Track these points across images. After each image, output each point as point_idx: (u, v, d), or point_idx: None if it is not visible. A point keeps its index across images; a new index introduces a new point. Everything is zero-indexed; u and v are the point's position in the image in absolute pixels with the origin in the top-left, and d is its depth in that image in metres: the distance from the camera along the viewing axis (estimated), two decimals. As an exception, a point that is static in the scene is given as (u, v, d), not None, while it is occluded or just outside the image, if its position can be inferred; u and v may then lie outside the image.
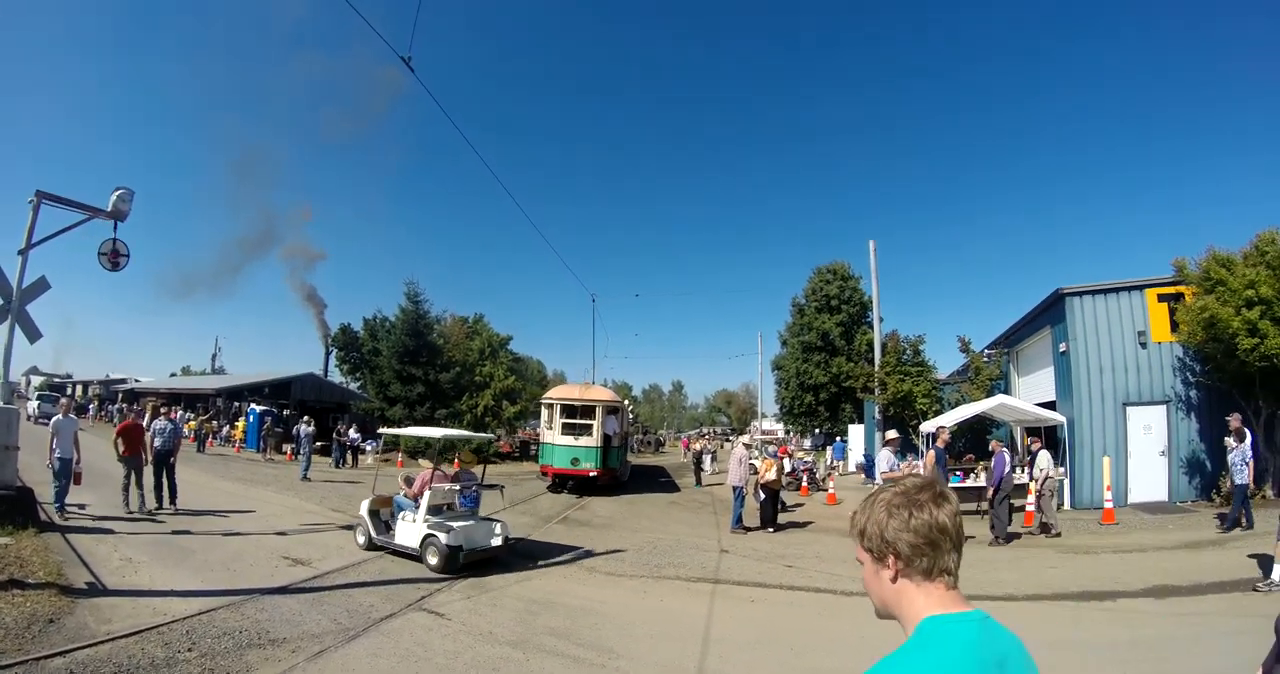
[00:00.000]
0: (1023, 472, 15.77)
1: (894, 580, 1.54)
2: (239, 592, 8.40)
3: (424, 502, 11.02)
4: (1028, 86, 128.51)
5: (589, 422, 22.75)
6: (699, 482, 28.73)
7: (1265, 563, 9.56)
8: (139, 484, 13.65)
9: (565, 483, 22.64)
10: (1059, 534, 14.00)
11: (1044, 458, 14.79)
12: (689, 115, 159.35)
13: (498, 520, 11.41)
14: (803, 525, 16.45)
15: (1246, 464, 12.95)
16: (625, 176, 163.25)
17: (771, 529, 15.60)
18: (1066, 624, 8.19)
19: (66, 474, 12.38)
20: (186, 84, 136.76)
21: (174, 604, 7.62)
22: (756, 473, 16.55)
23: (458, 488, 11.67)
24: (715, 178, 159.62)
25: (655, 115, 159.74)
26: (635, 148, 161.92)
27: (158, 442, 14.10)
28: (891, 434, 12.93)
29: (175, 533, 11.95)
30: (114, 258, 10.96)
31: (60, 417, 13.09)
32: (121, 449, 13.60)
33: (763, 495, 16.10)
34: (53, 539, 10.42)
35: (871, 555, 1.57)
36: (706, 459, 31.80)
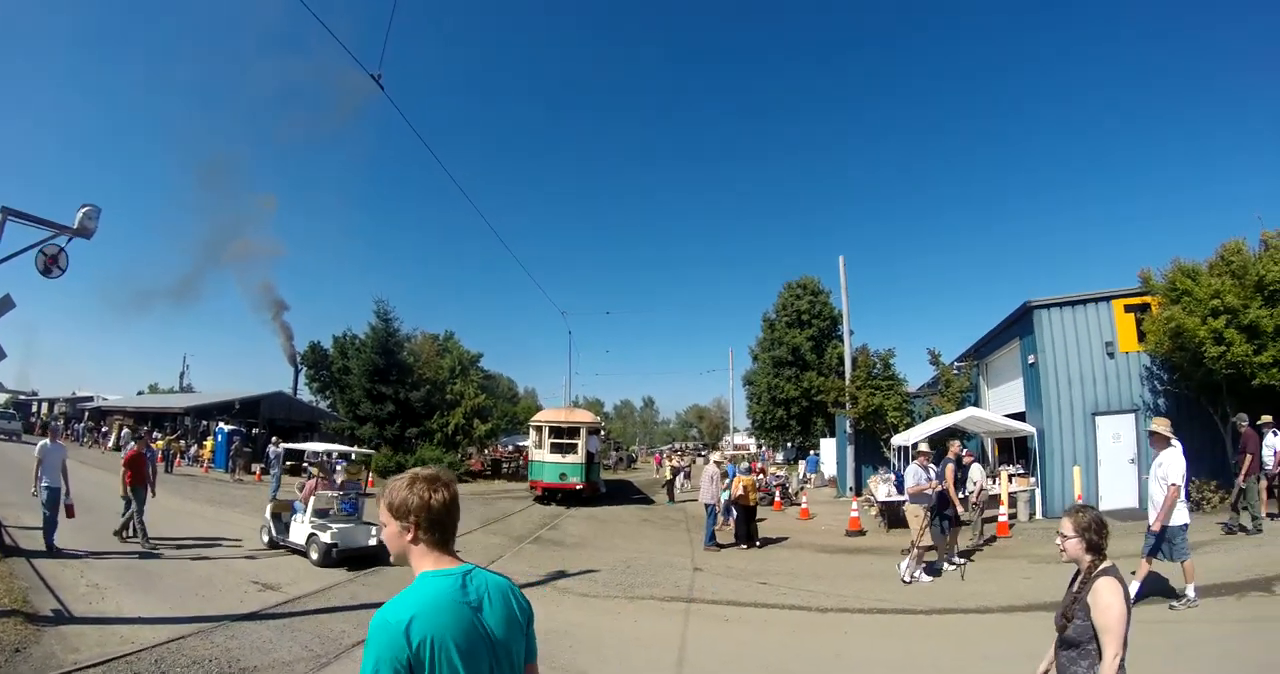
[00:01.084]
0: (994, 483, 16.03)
1: (414, 542, 2.14)
2: (208, 618, 8.22)
3: (309, 506, 13.00)
4: (995, 102, 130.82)
5: (574, 441, 25.56)
6: (671, 498, 28.62)
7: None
8: (140, 516, 12.96)
9: (555, 496, 25.01)
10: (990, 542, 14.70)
11: (975, 470, 15.26)
12: (658, 131, 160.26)
13: (374, 524, 12.20)
14: (776, 541, 16.46)
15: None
16: (593, 193, 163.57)
17: (746, 546, 15.59)
18: (1040, 635, 8.20)
19: (54, 506, 11.54)
20: (149, 94, 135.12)
21: (142, 632, 7.47)
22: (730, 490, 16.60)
23: (337, 495, 13.61)
24: (684, 193, 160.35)
25: (625, 131, 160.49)
26: (603, 165, 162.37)
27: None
28: (923, 447, 12.77)
29: (143, 557, 11.72)
30: (49, 263, 10.68)
31: (47, 443, 12.14)
32: (127, 480, 13.13)
33: (734, 512, 16.23)
34: (17, 564, 10.13)
35: (397, 521, 2.13)
36: (680, 477, 31.94)
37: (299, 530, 12.90)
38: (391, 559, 2.23)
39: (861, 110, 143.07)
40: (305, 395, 51.27)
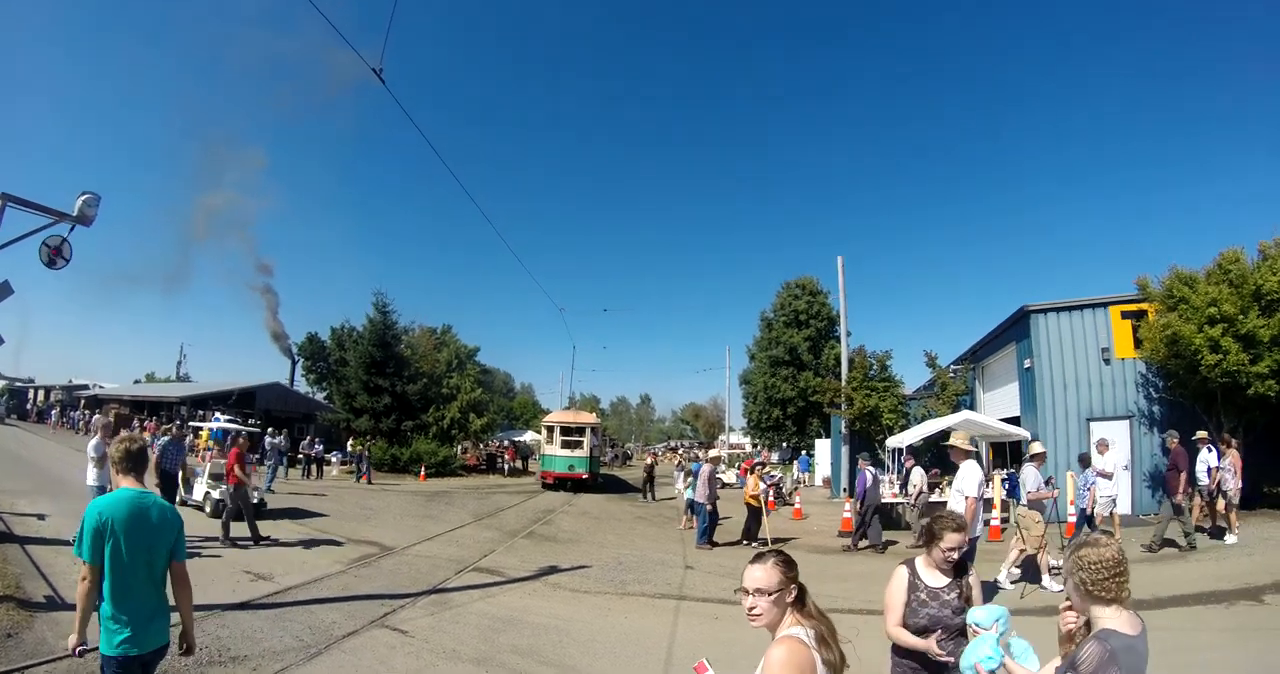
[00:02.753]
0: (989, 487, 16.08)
1: (118, 473, 3.93)
2: (200, 607, 8.17)
3: (207, 471, 16.16)
4: (997, 104, 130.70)
5: (580, 439, 30.76)
6: (645, 495, 29.13)
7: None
8: (235, 515, 13.15)
9: (564, 484, 29.79)
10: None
11: (916, 474, 15.65)
12: (659, 127, 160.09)
13: (258, 488, 16.23)
14: (768, 541, 16.54)
15: (1086, 490, 13.88)
16: (593, 190, 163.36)
17: (747, 543, 15.89)
18: (1033, 640, 8.26)
19: None
20: (148, 78, 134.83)
21: (133, 619, 7.54)
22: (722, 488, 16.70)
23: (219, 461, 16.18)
24: (683, 192, 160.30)
25: (624, 128, 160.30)
26: (603, 162, 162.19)
27: (167, 462, 13.55)
28: (1037, 447, 12.32)
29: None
30: (54, 254, 10.70)
31: (97, 439, 12.02)
32: (229, 478, 13.54)
33: (697, 509, 16.56)
34: (10, 550, 10.18)
35: (113, 464, 3.93)
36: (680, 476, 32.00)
37: (199, 490, 16.09)
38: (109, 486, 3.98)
39: (861, 111, 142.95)
40: (302, 387, 51.14)
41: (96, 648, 3.78)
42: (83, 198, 10.67)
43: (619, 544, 16.00)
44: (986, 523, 14.85)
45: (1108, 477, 13.86)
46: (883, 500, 16.62)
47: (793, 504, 22.76)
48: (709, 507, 16.04)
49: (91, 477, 11.48)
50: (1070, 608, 2.87)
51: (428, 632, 8.10)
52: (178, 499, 14.14)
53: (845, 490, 23.86)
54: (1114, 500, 14.07)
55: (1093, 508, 14.05)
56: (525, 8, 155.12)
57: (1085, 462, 14.34)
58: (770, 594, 2.60)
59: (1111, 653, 2.49)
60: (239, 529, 13.04)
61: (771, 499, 24.10)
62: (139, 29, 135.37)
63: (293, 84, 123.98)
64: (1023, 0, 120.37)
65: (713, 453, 22.46)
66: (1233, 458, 13.33)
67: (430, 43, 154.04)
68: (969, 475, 9.01)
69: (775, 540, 16.31)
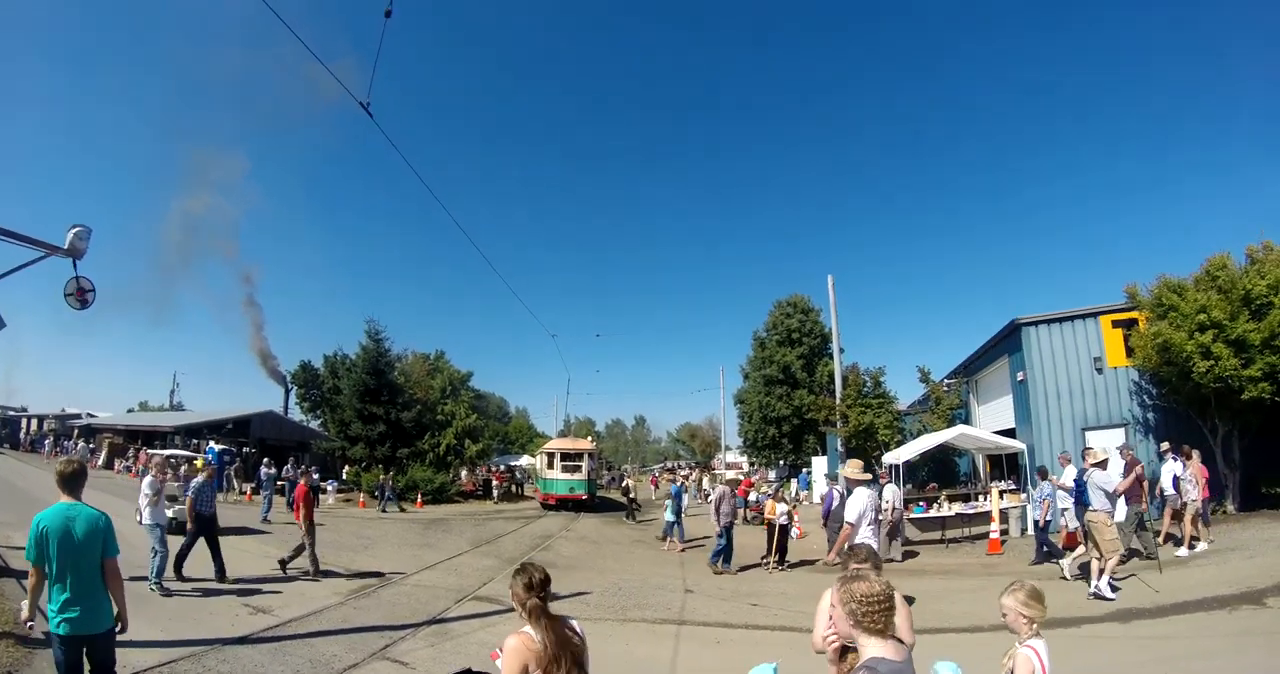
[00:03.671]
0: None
1: (62, 492, 4.94)
2: (200, 642, 8.16)
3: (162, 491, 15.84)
4: (983, 119, 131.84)
5: (579, 463, 33.36)
6: (630, 516, 30.23)
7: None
8: (313, 549, 13.18)
9: (565, 505, 32.03)
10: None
11: (889, 491, 15.79)
12: (649, 148, 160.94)
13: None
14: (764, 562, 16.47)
15: (1041, 504, 14.27)
16: (583, 214, 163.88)
17: (775, 567, 15.65)
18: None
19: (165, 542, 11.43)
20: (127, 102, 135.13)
21: (133, 655, 7.39)
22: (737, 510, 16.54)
23: (179, 485, 17.26)
24: (673, 212, 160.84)
25: (614, 149, 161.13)
26: (593, 187, 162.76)
27: (202, 504, 12.78)
28: (1099, 453, 11.90)
29: (131, 580, 11.68)
30: (81, 296, 10.71)
31: (151, 477, 12.15)
32: (297, 517, 13.56)
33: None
34: (7, 585, 10.09)
35: (60, 487, 4.92)
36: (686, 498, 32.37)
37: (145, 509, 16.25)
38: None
39: (847, 126, 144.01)
40: (296, 415, 50.96)
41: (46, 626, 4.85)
42: (74, 230, 10.64)
43: (618, 569, 15.93)
44: (1004, 532, 14.94)
45: (1068, 490, 14.08)
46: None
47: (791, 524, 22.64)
48: (718, 528, 15.79)
49: (147, 515, 11.46)
50: (835, 632, 3.23)
51: (429, 663, 8.02)
52: (137, 518, 14.18)
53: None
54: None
55: (1045, 521, 14.27)
56: (512, 25, 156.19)
57: (1044, 474, 14.61)
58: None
59: None
60: (300, 562, 13.25)
61: (799, 523, 24.11)
62: (132, 56, 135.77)
63: (276, 107, 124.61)
64: (1011, 14, 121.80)
65: (730, 474, 22.59)
66: (1194, 468, 13.36)
67: (414, 62, 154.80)
68: (853, 504, 9.52)
69: (801, 562, 16.26)
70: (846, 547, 4.55)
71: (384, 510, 28.52)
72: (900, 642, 2.95)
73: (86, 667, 4.81)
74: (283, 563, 13.10)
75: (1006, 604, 3.66)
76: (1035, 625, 3.57)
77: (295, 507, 14.02)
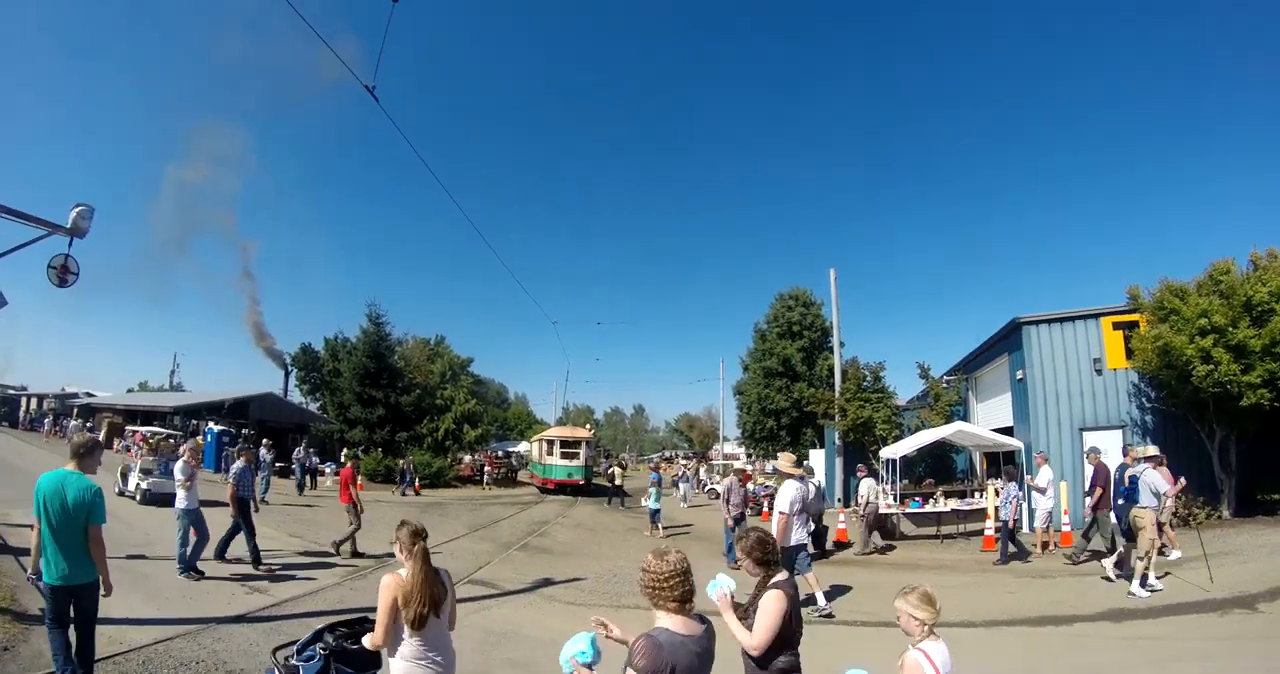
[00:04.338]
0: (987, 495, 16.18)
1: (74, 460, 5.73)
2: (196, 620, 8.21)
3: (137, 465, 19.45)
4: (989, 116, 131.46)
5: (577, 450, 35.38)
6: (610, 502, 29.94)
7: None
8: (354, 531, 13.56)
9: (564, 489, 33.96)
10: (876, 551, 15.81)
11: (865, 486, 16.16)
12: (651, 140, 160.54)
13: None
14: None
15: (1009, 503, 14.44)
16: (586, 201, 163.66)
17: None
18: (1024, 651, 8.27)
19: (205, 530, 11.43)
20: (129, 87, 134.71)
21: (129, 632, 7.46)
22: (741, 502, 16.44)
23: (155, 459, 20.90)
24: (677, 205, 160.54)
25: (618, 139, 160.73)
26: (595, 174, 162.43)
27: (243, 489, 12.48)
28: (1152, 450, 12.12)
29: (130, 557, 11.66)
30: (63, 274, 10.69)
31: (182, 462, 11.86)
32: (344, 499, 14.05)
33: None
34: (5, 562, 10.10)
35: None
36: (683, 486, 34.28)
37: (132, 481, 18.83)
38: None
39: (853, 121, 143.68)
40: (296, 397, 50.98)
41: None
42: (77, 209, 10.65)
43: (613, 556, 15.97)
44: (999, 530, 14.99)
45: (1041, 491, 14.50)
46: (880, 511, 16.85)
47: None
48: (730, 520, 15.69)
49: (181, 499, 11.19)
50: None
51: (423, 645, 8.06)
52: (115, 489, 15.46)
53: (839, 501, 23.90)
54: (1050, 514, 14.85)
55: (1014, 521, 14.39)
56: (520, 14, 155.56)
57: (1012, 476, 14.72)
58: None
59: (658, 645, 2.93)
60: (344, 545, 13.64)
61: (765, 510, 24.16)
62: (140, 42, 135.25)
63: (281, 88, 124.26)
64: (1012, 14, 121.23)
65: (737, 465, 22.63)
66: (1164, 475, 13.37)
67: (418, 47, 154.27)
68: (784, 493, 10.24)
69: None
70: (738, 533, 4.74)
71: (403, 494, 29.00)
72: (701, 619, 3.17)
73: (72, 613, 5.54)
74: (335, 545, 13.60)
75: (899, 607, 3.70)
76: (927, 627, 3.61)
77: (342, 488, 14.46)
